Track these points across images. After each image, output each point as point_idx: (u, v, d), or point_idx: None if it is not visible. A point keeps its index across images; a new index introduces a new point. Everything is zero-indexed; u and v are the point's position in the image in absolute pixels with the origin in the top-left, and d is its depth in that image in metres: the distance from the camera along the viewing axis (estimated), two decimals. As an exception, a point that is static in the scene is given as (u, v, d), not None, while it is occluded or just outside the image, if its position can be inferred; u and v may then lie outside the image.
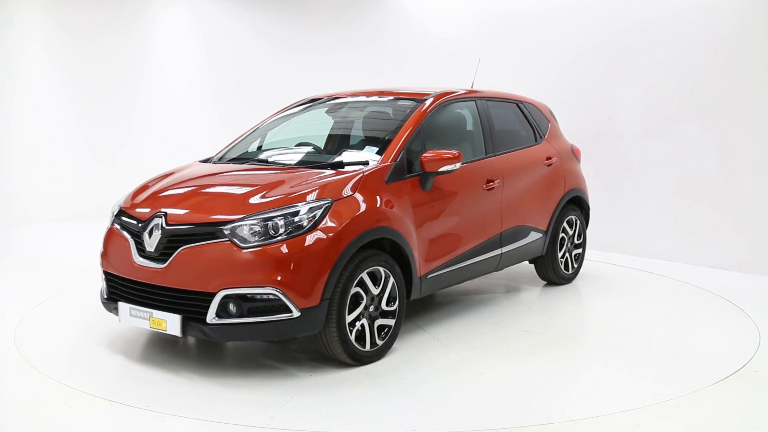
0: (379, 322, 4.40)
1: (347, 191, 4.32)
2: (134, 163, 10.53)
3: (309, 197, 4.17)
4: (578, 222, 6.41)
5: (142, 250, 4.30)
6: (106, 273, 4.61)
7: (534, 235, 5.86)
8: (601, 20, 8.05)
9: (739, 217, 6.98)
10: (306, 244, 4.00)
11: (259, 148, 5.50)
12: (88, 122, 10.43)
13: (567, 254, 6.31)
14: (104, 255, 4.64)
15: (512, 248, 5.62)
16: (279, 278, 3.94)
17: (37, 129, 10.02)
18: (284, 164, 4.98)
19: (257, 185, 4.41)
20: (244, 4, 11.34)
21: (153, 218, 4.30)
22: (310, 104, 5.88)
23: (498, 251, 5.45)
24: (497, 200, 5.40)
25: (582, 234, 6.49)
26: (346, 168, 4.58)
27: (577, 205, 6.42)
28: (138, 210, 4.52)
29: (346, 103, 5.72)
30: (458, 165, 4.76)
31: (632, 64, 7.78)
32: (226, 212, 4.13)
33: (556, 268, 6.20)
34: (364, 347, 4.31)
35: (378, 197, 4.43)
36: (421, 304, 5.76)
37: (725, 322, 5.34)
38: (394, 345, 4.66)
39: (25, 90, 9.87)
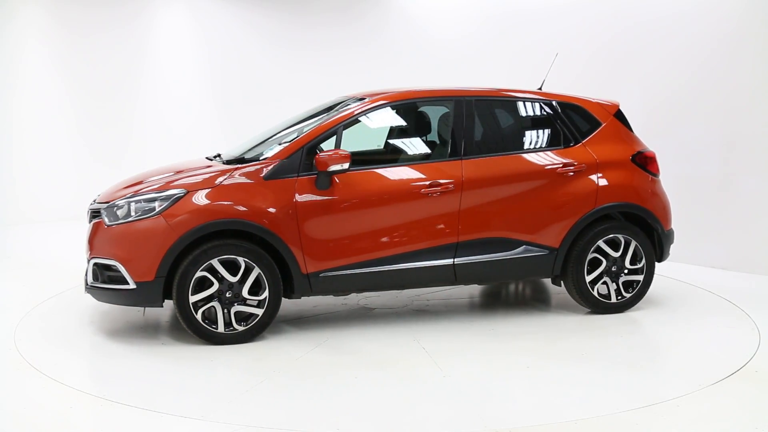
0: (238, 308, 4.73)
1: (208, 184, 4.77)
2: (134, 162, 10.49)
3: (167, 187, 4.78)
4: (633, 244, 5.41)
5: None
6: None
7: (529, 251, 5.25)
8: (600, 21, 8.05)
9: (739, 217, 6.98)
10: (147, 226, 4.65)
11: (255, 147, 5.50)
12: (88, 122, 10.43)
13: (607, 279, 5.41)
14: None
15: (476, 260, 5.14)
16: (119, 253, 4.68)
17: (37, 129, 10.02)
18: (230, 161, 5.16)
19: (162, 175, 5.05)
20: (244, 4, 11.34)
21: (94, 200, 5.18)
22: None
23: (448, 261, 5.08)
24: (450, 206, 5.05)
25: (644, 258, 5.46)
26: (245, 163, 4.96)
27: (636, 223, 5.52)
28: None
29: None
30: (346, 165, 4.76)
31: (632, 65, 7.77)
32: (114, 197, 4.91)
33: (584, 293, 5.37)
34: (217, 329, 4.70)
35: (244, 192, 4.75)
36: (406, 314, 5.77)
37: (725, 322, 5.33)
38: (271, 336, 4.92)
39: (24, 89, 9.86)
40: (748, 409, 3.81)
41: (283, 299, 4.92)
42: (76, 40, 10.25)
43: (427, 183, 5.03)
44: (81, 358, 4.73)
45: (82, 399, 3.89)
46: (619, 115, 5.68)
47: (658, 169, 5.69)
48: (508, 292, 6.29)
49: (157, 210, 4.66)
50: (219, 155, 5.54)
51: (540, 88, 5.81)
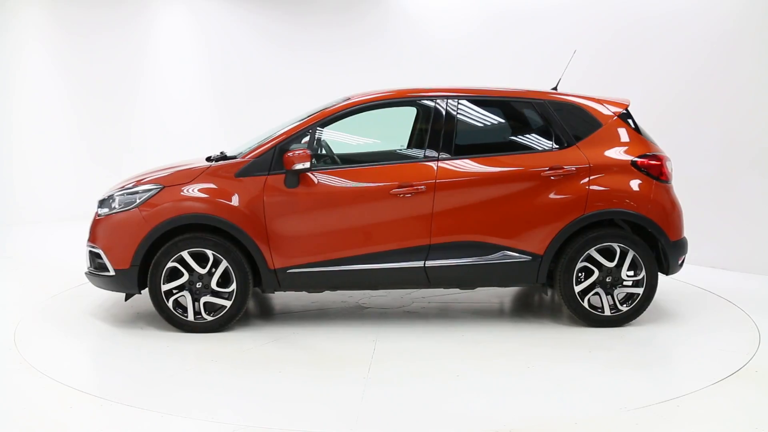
0: (207, 299, 4.97)
1: (183, 179, 5.01)
2: (134, 162, 10.51)
3: (148, 182, 5.07)
4: (630, 254, 5.07)
5: None
6: None
7: (508, 256, 5.04)
8: (599, 21, 8.06)
9: (739, 217, 6.98)
10: (126, 218, 4.97)
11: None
12: (88, 122, 10.44)
13: (600, 291, 5.12)
14: None
15: (449, 264, 5.02)
16: (101, 241, 5.04)
17: (37, 129, 10.03)
18: (217, 161, 5.28)
19: (157, 171, 5.28)
20: (244, 4, 11.34)
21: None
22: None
23: (419, 263, 5.00)
24: (422, 208, 4.95)
25: (646, 269, 5.08)
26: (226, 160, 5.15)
27: (638, 233, 5.20)
28: None
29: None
30: (307, 164, 4.83)
31: (632, 65, 7.77)
32: (114, 189, 5.22)
33: (573, 305, 5.11)
34: (187, 317, 4.98)
35: (213, 189, 4.96)
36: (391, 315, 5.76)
37: (725, 322, 5.33)
38: (239, 327, 5.12)
39: (24, 89, 9.88)
40: (748, 409, 3.81)
41: (284, 296, 4.93)
42: (76, 40, 10.26)
43: (398, 184, 4.97)
44: (81, 357, 4.74)
45: (82, 399, 3.89)
46: (626, 116, 5.34)
47: (666, 175, 5.27)
48: (542, 300, 6.06)
49: (137, 203, 4.97)
50: (222, 153, 5.56)
51: (555, 88, 5.60)
